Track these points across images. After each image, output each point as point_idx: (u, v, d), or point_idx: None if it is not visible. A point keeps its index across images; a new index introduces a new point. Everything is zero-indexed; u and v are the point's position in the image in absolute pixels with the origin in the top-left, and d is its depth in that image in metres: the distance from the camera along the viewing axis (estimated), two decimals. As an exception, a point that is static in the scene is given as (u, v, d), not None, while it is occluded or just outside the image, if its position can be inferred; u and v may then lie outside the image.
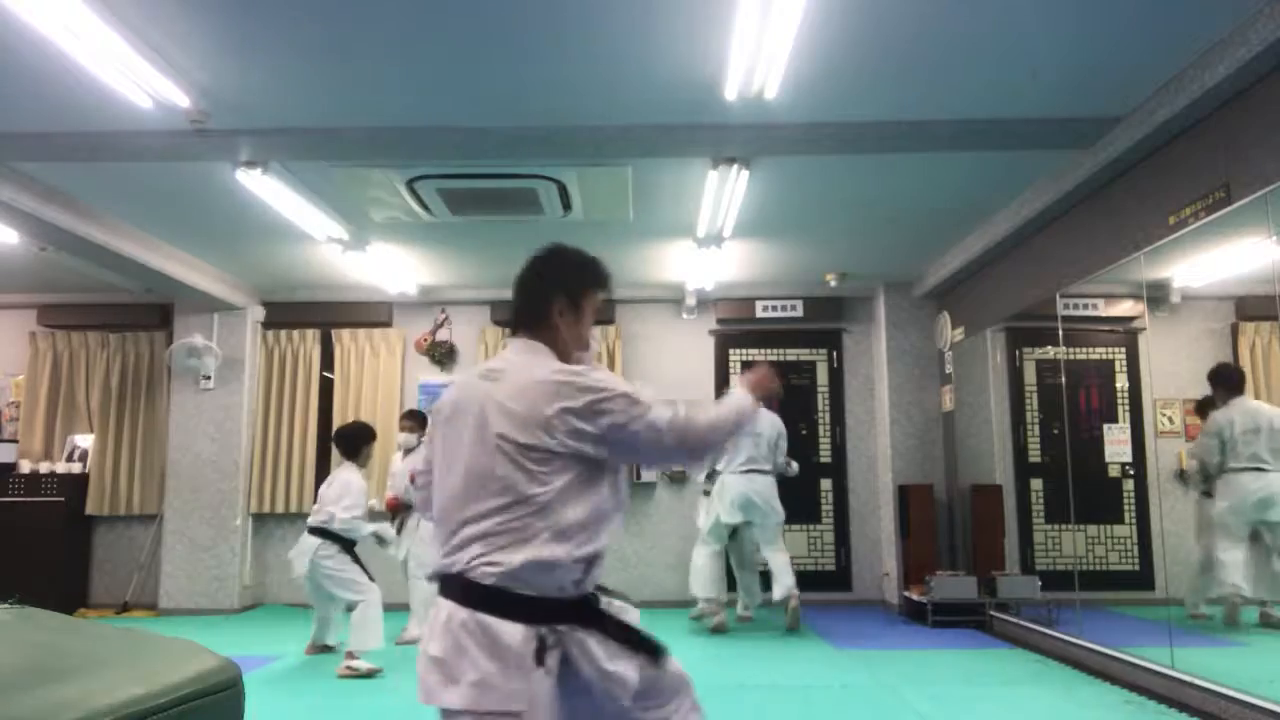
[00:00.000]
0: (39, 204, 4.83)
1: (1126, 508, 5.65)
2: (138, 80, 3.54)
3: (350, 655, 4.81)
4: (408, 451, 5.94)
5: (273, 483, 7.37)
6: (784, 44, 3.29)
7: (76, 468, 7.39)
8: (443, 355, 7.58)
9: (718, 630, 6.03)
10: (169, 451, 7.29)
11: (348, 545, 5.10)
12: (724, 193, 4.90)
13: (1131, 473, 5.53)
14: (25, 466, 7.29)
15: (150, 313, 7.52)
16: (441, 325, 7.64)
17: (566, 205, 5.17)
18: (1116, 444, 5.55)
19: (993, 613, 6.02)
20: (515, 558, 1.61)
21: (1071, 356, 5.68)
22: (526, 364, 1.78)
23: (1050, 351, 5.73)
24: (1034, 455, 6.28)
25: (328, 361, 7.65)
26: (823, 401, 7.65)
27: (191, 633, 2.52)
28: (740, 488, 5.95)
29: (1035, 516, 6.22)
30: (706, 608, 6.14)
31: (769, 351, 7.72)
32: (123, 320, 7.54)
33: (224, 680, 2.09)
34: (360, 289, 7.32)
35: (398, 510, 5.85)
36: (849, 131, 4.20)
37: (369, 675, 4.74)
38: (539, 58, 3.54)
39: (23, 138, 4.24)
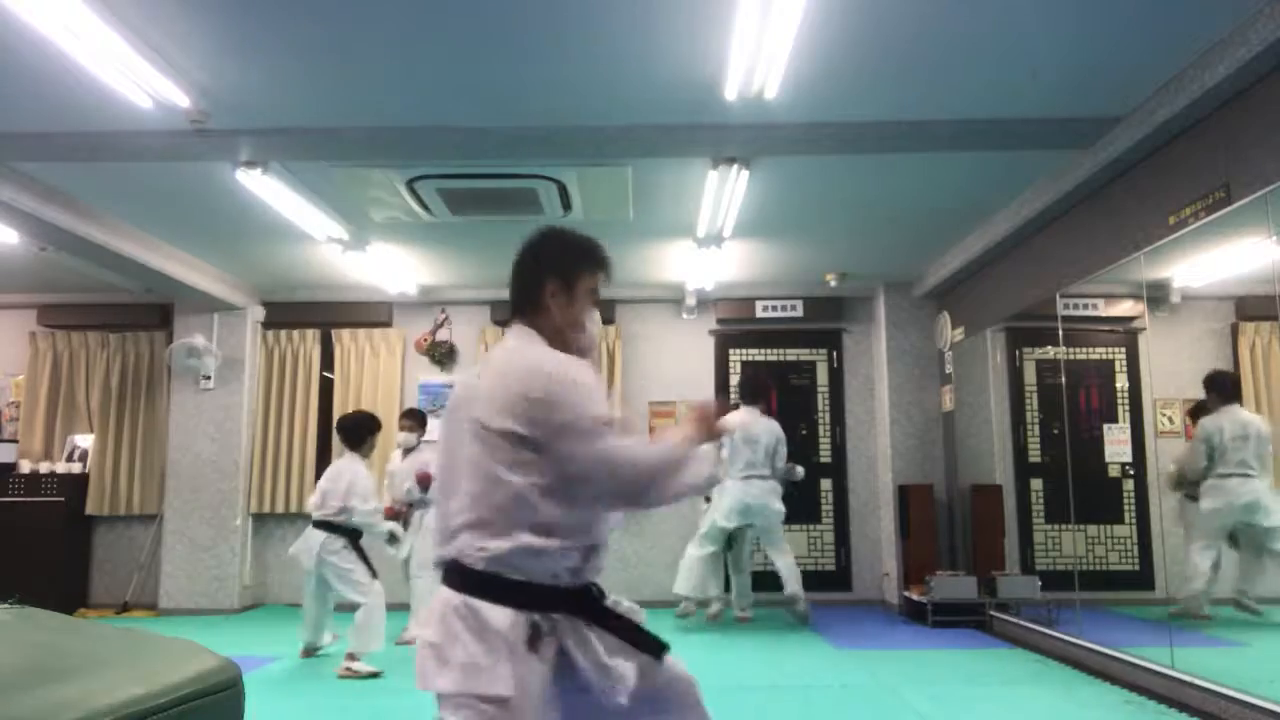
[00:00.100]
0: (39, 204, 4.83)
1: (1126, 508, 5.65)
2: (138, 80, 3.54)
3: (350, 656, 4.81)
4: (408, 451, 5.94)
5: (273, 483, 7.37)
6: (784, 44, 3.29)
7: (76, 468, 7.39)
8: (443, 355, 7.58)
9: (714, 619, 6.28)
10: (169, 451, 7.29)
11: (354, 538, 5.05)
12: (724, 193, 4.91)
13: (1131, 473, 5.53)
14: (25, 466, 7.29)
15: (150, 313, 7.52)
16: (441, 325, 7.64)
17: (566, 205, 5.17)
18: (1116, 444, 5.55)
19: (993, 613, 6.02)
20: (504, 544, 1.62)
21: (1071, 356, 5.68)
22: (512, 350, 1.78)
23: (1050, 351, 5.73)
24: (1034, 455, 6.28)
25: (328, 361, 7.65)
26: (823, 401, 7.65)
27: (191, 633, 2.52)
28: (738, 493, 6.03)
29: (1035, 516, 6.22)
30: (687, 606, 6.22)
31: (769, 351, 7.72)
32: (123, 320, 7.54)
33: (224, 680, 2.09)
34: (360, 289, 7.32)
35: (397, 516, 5.83)
36: (849, 131, 4.20)
37: (369, 676, 4.74)
38: (539, 58, 3.54)
39: (23, 138, 4.24)
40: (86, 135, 4.17)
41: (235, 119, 4.04)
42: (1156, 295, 4.77)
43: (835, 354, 7.70)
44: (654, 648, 1.75)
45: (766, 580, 6.55)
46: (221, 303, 7.10)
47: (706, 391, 7.55)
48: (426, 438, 5.94)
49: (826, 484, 7.55)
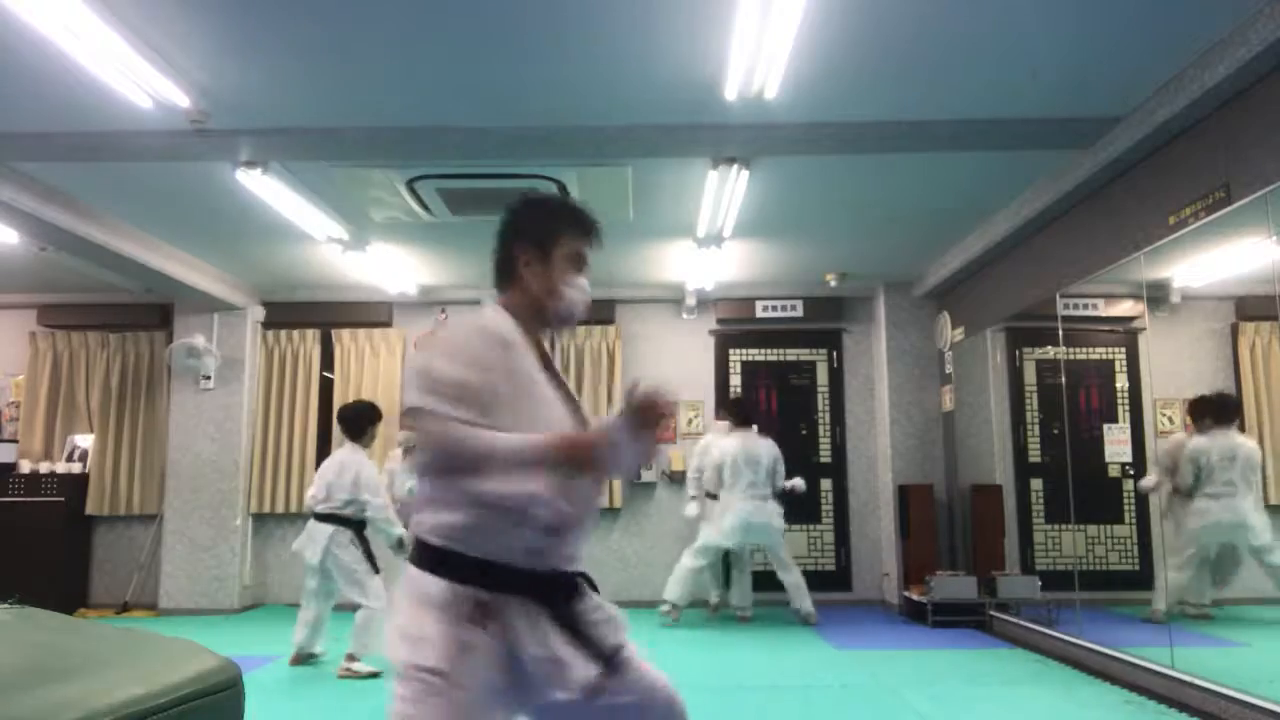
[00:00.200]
0: (39, 204, 4.83)
1: (1126, 508, 5.65)
2: (138, 80, 3.54)
3: (350, 657, 4.80)
4: (407, 450, 5.94)
5: (273, 483, 7.37)
6: (784, 44, 3.29)
7: (76, 468, 7.39)
8: (443, 355, 7.56)
9: (715, 612, 6.58)
10: (169, 451, 7.29)
11: (359, 531, 4.95)
12: (724, 193, 4.90)
13: (1131, 473, 5.53)
14: (25, 466, 7.29)
15: (150, 313, 7.52)
16: (441, 325, 7.64)
17: (566, 205, 5.16)
18: (1116, 444, 5.55)
19: (993, 613, 6.02)
20: (450, 519, 1.61)
21: (1071, 356, 5.68)
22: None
23: (1050, 351, 5.73)
24: (1034, 455, 6.28)
25: (328, 361, 7.65)
26: (823, 401, 7.65)
27: (191, 633, 2.52)
28: (742, 513, 6.10)
29: (1035, 516, 6.22)
30: (671, 612, 6.26)
31: (769, 351, 7.72)
32: (123, 320, 7.54)
33: (224, 680, 2.09)
34: (360, 289, 7.32)
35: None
36: (849, 131, 4.20)
37: (369, 677, 4.74)
38: (539, 58, 3.54)
39: (23, 138, 4.24)
40: (86, 135, 4.17)
41: (235, 119, 4.04)
42: (1156, 295, 4.77)
43: (835, 354, 7.70)
44: (602, 657, 1.65)
45: (767, 580, 6.55)
46: (221, 303, 7.10)
47: (707, 392, 7.56)
48: None
49: (826, 484, 7.55)
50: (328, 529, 4.87)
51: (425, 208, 5.17)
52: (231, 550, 7.14)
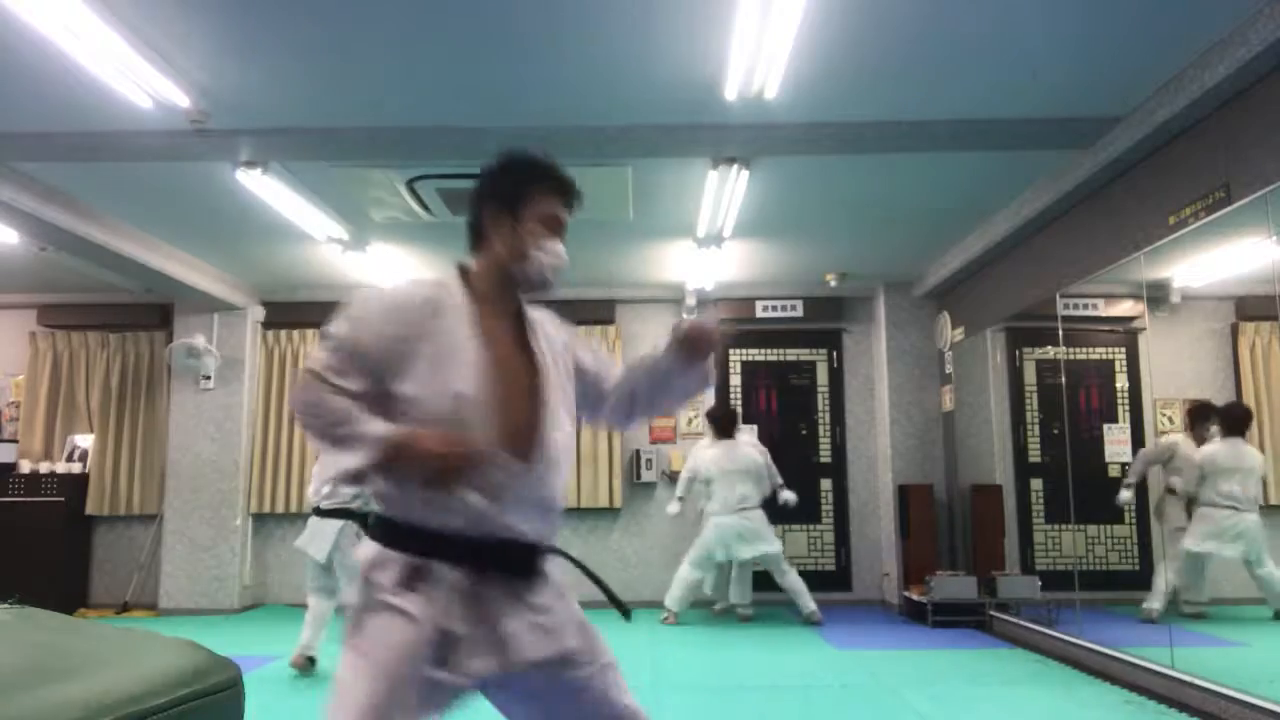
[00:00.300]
0: (39, 204, 4.83)
1: (1126, 508, 5.65)
2: (138, 80, 3.54)
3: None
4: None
5: (273, 483, 7.37)
6: (784, 44, 3.29)
7: (76, 468, 7.39)
8: (443, 355, 7.56)
9: (721, 612, 6.55)
10: (169, 451, 7.29)
11: (365, 525, 4.89)
12: (724, 193, 4.90)
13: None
14: (25, 466, 7.29)
15: (150, 313, 7.52)
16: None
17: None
18: (1116, 444, 5.55)
19: (993, 613, 6.02)
20: (381, 485, 1.62)
21: (1071, 356, 5.68)
22: None
23: (1050, 351, 5.73)
24: (1034, 455, 6.28)
25: (328, 361, 7.64)
26: (823, 401, 7.65)
27: (191, 633, 2.52)
28: (732, 527, 6.17)
29: (1035, 516, 6.22)
30: (669, 617, 6.30)
31: (769, 351, 7.72)
32: (123, 320, 7.54)
33: (224, 680, 2.09)
34: (360, 289, 7.31)
35: None
36: (849, 131, 4.20)
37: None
38: (538, 58, 3.54)
39: (23, 138, 4.24)
40: (86, 135, 4.17)
41: (235, 119, 4.04)
42: (1156, 295, 4.77)
43: (835, 354, 7.70)
44: (507, 662, 1.58)
45: (767, 580, 6.54)
46: (221, 303, 7.10)
47: (707, 391, 7.54)
48: None
49: (826, 484, 7.55)
50: (335, 524, 4.79)
51: (425, 208, 5.17)
52: (231, 550, 7.14)
